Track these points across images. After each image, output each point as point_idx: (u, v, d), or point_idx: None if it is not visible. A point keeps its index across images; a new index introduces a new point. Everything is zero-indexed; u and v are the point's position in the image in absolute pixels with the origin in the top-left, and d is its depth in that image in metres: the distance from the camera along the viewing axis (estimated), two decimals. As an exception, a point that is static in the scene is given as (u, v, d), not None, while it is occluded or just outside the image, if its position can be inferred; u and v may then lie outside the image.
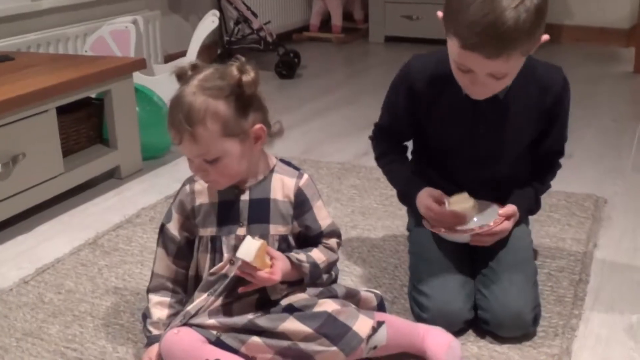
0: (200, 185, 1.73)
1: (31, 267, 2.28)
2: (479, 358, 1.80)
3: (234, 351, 1.61)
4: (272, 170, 1.72)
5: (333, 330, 1.63)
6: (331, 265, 1.77)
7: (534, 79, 1.86)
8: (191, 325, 1.65)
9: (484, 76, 1.70)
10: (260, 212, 1.70)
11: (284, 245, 1.72)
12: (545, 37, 1.70)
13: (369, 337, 1.67)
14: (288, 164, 1.76)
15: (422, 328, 1.79)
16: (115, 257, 2.34)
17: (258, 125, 1.64)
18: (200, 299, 1.69)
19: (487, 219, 1.90)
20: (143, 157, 3.16)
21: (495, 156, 1.96)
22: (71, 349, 1.86)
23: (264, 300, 1.68)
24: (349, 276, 2.18)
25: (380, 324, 1.71)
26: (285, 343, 1.62)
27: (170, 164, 3.21)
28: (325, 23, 6.22)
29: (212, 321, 1.64)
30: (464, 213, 1.88)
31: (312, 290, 1.72)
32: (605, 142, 3.46)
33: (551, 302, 2.03)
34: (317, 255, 1.72)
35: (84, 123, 2.98)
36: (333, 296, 1.72)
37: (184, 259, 1.77)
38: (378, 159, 2.14)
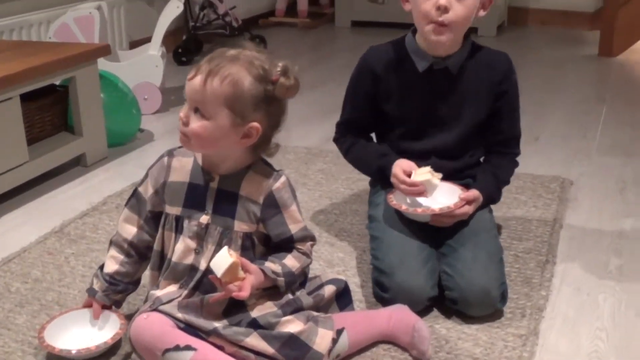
0: (177, 161, 1.72)
1: (-3, 257, 2.26)
2: (447, 340, 1.81)
3: (203, 338, 1.61)
4: (248, 167, 1.68)
5: (293, 352, 1.61)
6: (305, 269, 1.76)
7: (483, 59, 2.07)
8: (161, 312, 1.64)
9: None
10: (227, 205, 1.67)
11: (247, 243, 1.68)
12: None
13: (330, 350, 1.67)
14: (268, 164, 1.72)
15: (386, 314, 1.80)
16: (82, 245, 2.32)
17: (255, 124, 1.61)
18: (172, 290, 1.68)
19: (448, 201, 1.95)
20: (108, 144, 3.14)
21: (448, 126, 2.07)
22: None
23: (235, 301, 1.64)
24: (317, 260, 2.18)
25: (340, 332, 1.71)
26: (252, 356, 1.61)
27: (136, 151, 3.20)
28: (292, 7, 6.20)
29: (180, 315, 1.63)
30: (422, 184, 1.93)
31: (280, 300, 1.68)
32: (571, 124, 3.49)
33: (518, 284, 2.05)
34: (292, 262, 1.69)
35: (49, 110, 2.94)
36: (298, 308, 1.69)
37: (149, 226, 1.77)
38: (347, 152, 2.20)
